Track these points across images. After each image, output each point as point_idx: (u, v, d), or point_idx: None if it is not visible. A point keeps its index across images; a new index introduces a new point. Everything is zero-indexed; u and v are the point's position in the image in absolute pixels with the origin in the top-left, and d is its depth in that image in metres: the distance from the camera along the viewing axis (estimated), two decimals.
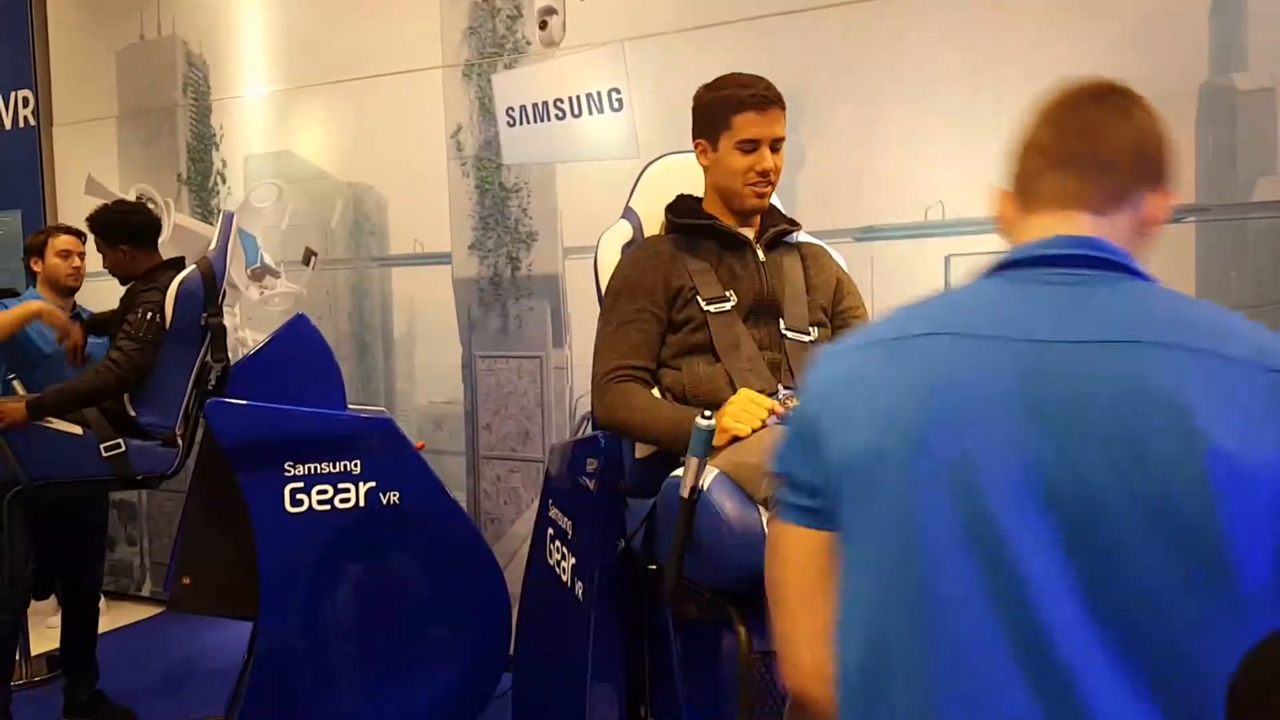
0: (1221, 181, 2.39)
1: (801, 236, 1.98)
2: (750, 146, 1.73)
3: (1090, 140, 0.92)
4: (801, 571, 0.95)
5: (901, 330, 0.91)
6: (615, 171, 2.93)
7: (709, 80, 1.81)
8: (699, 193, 1.89)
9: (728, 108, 1.74)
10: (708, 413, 1.43)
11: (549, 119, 3.22)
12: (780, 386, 1.66)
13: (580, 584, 2.02)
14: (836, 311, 1.86)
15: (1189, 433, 0.74)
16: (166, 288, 2.66)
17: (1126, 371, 0.78)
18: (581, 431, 2.33)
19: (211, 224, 3.75)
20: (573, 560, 2.09)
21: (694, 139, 1.82)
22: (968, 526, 0.80)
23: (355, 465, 2.46)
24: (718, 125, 1.76)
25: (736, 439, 1.49)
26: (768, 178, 1.75)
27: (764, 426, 1.48)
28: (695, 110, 1.82)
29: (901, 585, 0.84)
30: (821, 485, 0.91)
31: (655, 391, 1.76)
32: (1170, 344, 0.78)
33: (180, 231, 3.87)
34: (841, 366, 0.94)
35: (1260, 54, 2.34)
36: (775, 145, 1.76)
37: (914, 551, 0.83)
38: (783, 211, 1.95)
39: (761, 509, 1.41)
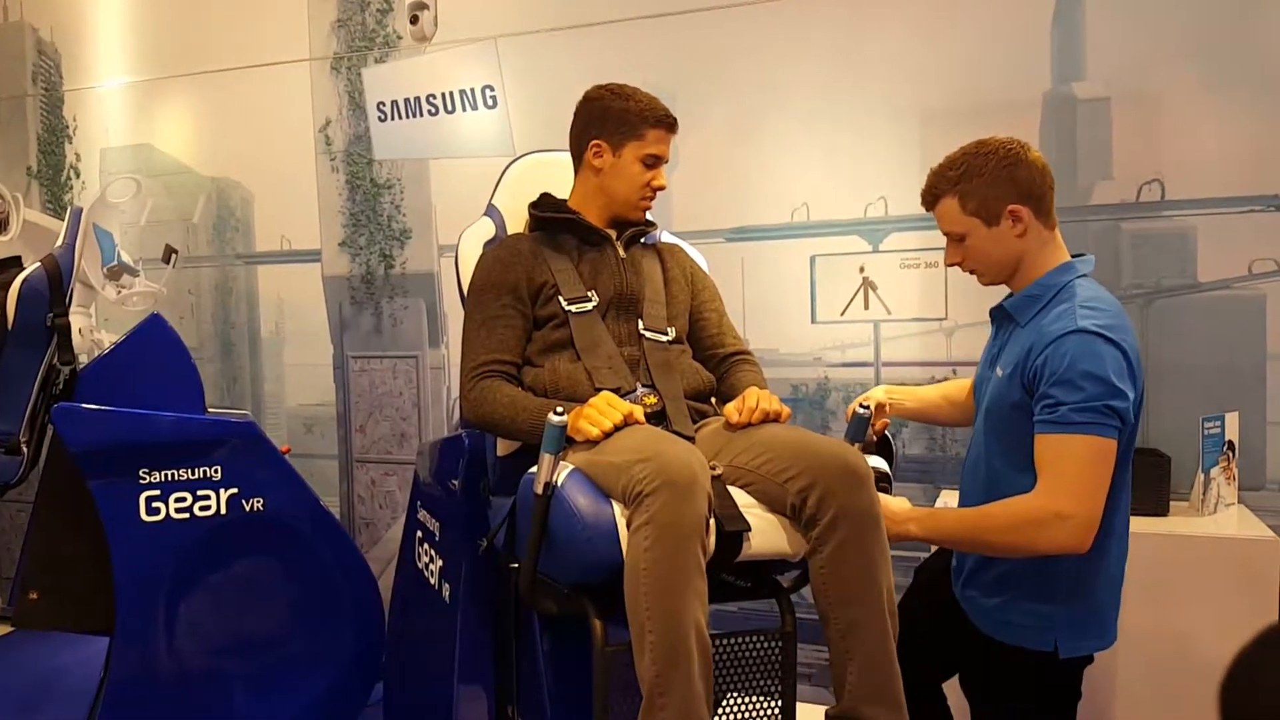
0: (1063, 185, 2.52)
1: (665, 236, 2.01)
2: (653, 162, 1.79)
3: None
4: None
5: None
6: (491, 168, 2.85)
7: (602, 82, 1.84)
8: (562, 192, 1.89)
9: (643, 121, 1.77)
10: (560, 409, 1.44)
11: (421, 114, 3.17)
12: (638, 384, 1.68)
13: (447, 585, 2.00)
14: (693, 306, 1.89)
15: None
16: (8, 285, 2.51)
17: None
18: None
19: (64, 220, 3.56)
20: (440, 562, 2.07)
21: (592, 138, 1.81)
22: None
23: (215, 471, 2.36)
24: (627, 133, 1.78)
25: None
26: (655, 194, 1.83)
27: (616, 430, 1.49)
28: (601, 111, 1.80)
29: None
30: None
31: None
32: None
33: (30, 228, 3.63)
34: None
35: (1096, 65, 2.49)
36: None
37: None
38: None
39: (614, 504, 1.42)
